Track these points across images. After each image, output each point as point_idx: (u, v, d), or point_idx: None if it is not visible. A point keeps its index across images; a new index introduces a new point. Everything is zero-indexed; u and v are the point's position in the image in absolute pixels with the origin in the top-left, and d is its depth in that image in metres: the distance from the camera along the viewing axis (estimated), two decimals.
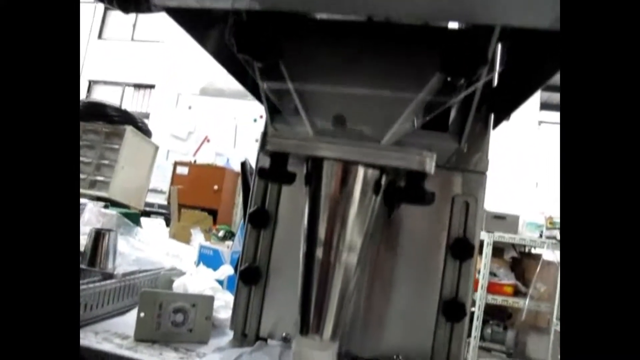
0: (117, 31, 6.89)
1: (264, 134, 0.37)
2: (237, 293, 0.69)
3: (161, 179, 5.44)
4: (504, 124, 0.67)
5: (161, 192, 5.19)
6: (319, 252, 0.36)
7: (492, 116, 0.69)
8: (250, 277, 0.67)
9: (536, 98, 5.65)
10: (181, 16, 0.42)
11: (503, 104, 0.64)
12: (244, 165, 0.90)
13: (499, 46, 0.51)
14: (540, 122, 6.16)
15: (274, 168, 0.39)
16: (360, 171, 0.36)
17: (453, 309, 0.62)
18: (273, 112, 0.55)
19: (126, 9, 0.84)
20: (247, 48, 0.37)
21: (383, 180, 0.39)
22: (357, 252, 0.37)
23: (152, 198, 3.58)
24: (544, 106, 6.04)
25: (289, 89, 0.41)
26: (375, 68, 0.41)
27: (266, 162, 0.40)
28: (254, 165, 0.80)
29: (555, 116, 6.34)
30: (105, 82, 6.82)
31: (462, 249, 0.63)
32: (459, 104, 0.52)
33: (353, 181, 0.36)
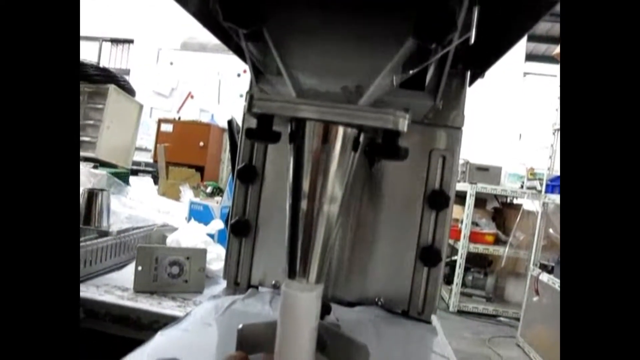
0: None
1: (250, 96, 0.39)
2: (229, 245, 0.73)
3: (146, 137, 5.38)
4: (489, 77, 0.70)
5: (146, 149, 5.14)
6: (303, 204, 0.40)
7: (469, 73, 0.72)
8: (240, 229, 0.71)
9: (522, 49, 5.61)
10: None
11: (479, 61, 0.67)
12: (230, 123, 0.92)
13: (475, 8, 0.53)
14: (525, 74, 6.15)
15: (261, 128, 0.42)
16: (340, 130, 0.40)
17: (430, 255, 0.67)
18: (257, 73, 0.57)
19: None
20: (233, 16, 0.39)
21: (361, 138, 0.43)
22: (338, 202, 0.41)
23: (138, 157, 3.56)
24: (529, 57, 6.01)
25: (272, 52, 0.44)
26: (354, 32, 0.43)
27: (252, 123, 0.43)
28: (239, 123, 0.83)
29: (540, 67, 6.32)
30: (82, 37, 6.58)
31: (438, 200, 0.67)
32: (435, 63, 0.55)
33: (333, 139, 0.40)
